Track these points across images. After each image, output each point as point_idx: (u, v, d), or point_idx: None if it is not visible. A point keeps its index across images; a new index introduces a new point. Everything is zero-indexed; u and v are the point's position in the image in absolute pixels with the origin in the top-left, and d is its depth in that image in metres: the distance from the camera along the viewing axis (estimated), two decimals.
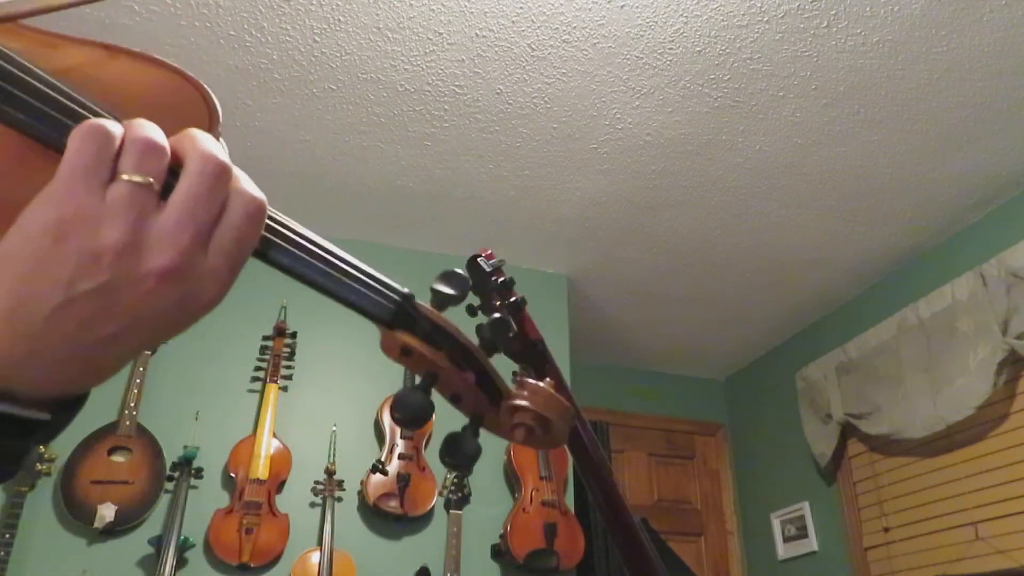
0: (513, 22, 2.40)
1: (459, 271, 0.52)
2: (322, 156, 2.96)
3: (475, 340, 0.52)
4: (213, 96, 0.45)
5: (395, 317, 0.48)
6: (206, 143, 0.39)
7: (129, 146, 0.37)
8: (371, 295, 0.47)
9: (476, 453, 0.50)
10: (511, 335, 0.52)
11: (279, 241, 0.44)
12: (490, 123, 2.80)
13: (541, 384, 0.51)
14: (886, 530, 3.53)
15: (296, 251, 0.45)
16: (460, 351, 0.50)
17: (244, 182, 0.40)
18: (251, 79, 2.60)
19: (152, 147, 0.38)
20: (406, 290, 0.49)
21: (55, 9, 0.45)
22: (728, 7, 2.34)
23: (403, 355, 0.49)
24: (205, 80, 0.46)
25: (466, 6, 2.34)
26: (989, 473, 3.07)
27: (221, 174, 0.39)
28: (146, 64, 0.45)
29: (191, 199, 0.38)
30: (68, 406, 0.40)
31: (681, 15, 2.37)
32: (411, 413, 0.48)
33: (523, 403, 0.50)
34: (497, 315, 0.52)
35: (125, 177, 0.37)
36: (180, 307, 0.39)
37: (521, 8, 2.35)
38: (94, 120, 0.37)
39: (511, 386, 0.52)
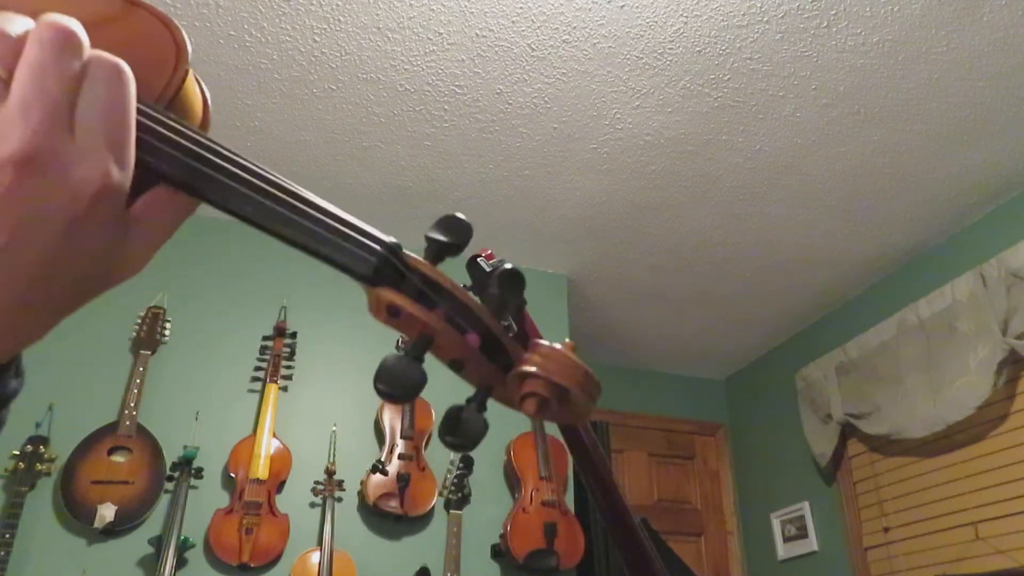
0: (513, 22, 2.40)
1: (459, 216, 0.44)
2: (322, 156, 2.96)
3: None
4: (183, 33, 0.42)
5: (378, 272, 0.40)
6: (53, 15, 0.34)
7: None
8: (347, 246, 0.40)
9: (482, 431, 0.40)
10: (523, 290, 0.43)
11: (232, 183, 0.38)
12: (490, 123, 2.80)
13: (557, 346, 0.41)
14: (886, 530, 3.53)
15: (254, 195, 0.39)
16: (460, 309, 0.41)
17: (103, 52, 0.35)
18: (251, 79, 2.60)
19: None
20: (391, 239, 0.41)
21: None
22: (728, 7, 2.34)
23: (390, 316, 0.41)
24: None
25: (466, 6, 2.34)
26: (989, 473, 3.07)
27: (67, 39, 0.33)
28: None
29: (34, 71, 0.32)
30: None
31: (681, 15, 2.37)
32: (398, 386, 0.39)
33: (533, 369, 0.40)
34: (507, 266, 0.44)
35: None
36: (59, 206, 0.33)
37: (521, 8, 2.35)
38: None
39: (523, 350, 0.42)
